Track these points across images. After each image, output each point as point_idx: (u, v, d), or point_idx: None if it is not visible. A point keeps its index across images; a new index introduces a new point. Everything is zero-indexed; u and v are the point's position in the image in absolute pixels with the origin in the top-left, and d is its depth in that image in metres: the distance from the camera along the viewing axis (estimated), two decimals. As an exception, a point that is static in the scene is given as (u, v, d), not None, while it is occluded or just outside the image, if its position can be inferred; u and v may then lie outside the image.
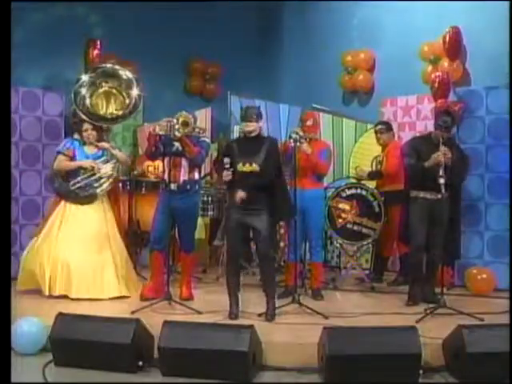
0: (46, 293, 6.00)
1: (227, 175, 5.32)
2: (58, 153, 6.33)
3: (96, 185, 6.27)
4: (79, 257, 6.06)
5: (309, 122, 6.26)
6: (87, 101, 6.42)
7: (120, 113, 6.55)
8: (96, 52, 8.11)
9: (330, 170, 6.66)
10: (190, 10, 9.57)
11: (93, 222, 6.22)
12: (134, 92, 6.49)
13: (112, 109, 6.54)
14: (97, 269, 6.08)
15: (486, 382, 4.31)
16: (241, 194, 5.26)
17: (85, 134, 6.31)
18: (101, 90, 6.51)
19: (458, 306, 5.52)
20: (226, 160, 5.33)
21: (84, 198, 6.24)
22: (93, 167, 6.24)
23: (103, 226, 6.25)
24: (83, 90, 6.43)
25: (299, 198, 5.72)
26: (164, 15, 9.40)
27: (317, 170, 6.14)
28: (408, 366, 4.26)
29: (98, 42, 8.21)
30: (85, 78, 6.48)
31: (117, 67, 6.67)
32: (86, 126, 6.32)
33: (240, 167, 5.34)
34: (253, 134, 5.45)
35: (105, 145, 6.35)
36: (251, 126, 5.43)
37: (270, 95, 8.79)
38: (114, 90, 6.55)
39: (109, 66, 6.70)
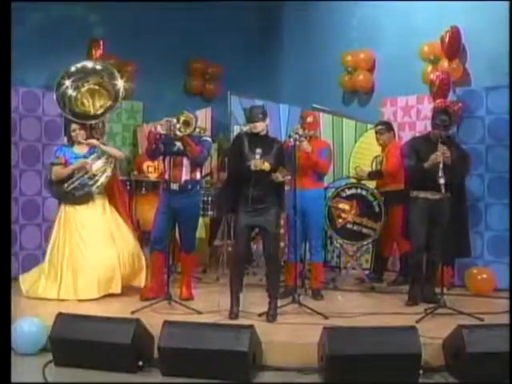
0: (55, 297, 6.01)
1: (254, 163, 5.26)
2: (52, 164, 6.34)
3: (91, 182, 6.27)
4: (83, 258, 6.08)
5: (309, 119, 6.27)
6: (72, 102, 6.42)
7: (106, 106, 6.51)
8: (99, 52, 8.11)
9: (330, 169, 6.66)
10: (189, 10, 9.57)
11: (92, 222, 6.22)
12: (119, 82, 6.47)
13: (98, 105, 6.53)
14: (101, 267, 6.07)
15: (486, 382, 4.31)
16: (277, 175, 5.27)
17: (73, 134, 6.33)
18: (84, 90, 6.49)
19: (458, 306, 5.52)
20: (258, 151, 5.28)
21: (80, 197, 6.24)
22: (84, 166, 6.24)
23: (103, 224, 6.25)
24: (68, 92, 6.42)
25: (299, 197, 5.71)
26: (164, 15, 9.40)
27: (317, 168, 6.14)
28: (408, 366, 4.26)
29: (101, 43, 8.20)
30: (68, 83, 6.45)
31: (94, 64, 6.68)
32: (73, 126, 6.34)
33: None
34: (262, 133, 5.46)
35: (93, 142, 6.34)
36: (259, 126, 5.43)
37: (270, 95, 8.79)
38: (97, 87, 6.53)
39: (87, 64, 6.66)
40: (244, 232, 5.40)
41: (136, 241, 6.44)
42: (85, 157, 6.30)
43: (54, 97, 6.42)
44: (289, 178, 5.98)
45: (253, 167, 5.27)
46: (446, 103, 7.09)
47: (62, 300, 5.95)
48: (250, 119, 5.48)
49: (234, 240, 5.54)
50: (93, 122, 6.46)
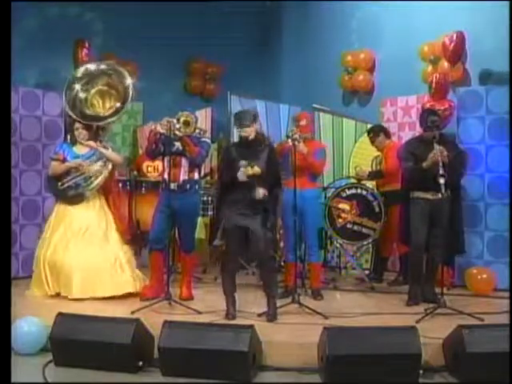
0: (49, 293, 6.05)
1: (242, 174, 5.28)
2: (51, 159, 6.35)
3: (84, 184, 6.25)
4: (73, 257, 6.06)
5: (302, 122, 6.25)
6: (83, 103, 6.40)
7: (115, 107, 6.47)
8: (85, 52, 8.09)
9: (327, 169, 6.66)
10: (190, 10, 9.58)
11: (83, 222, 6.19)
12: (128, 81, 6.43)
13: (108, 106, 6.49)
14: (94, 267, 6.05)
15: (486, 382, 4.31)
16: (261, 191, 5.25)
17: (76, 132, 6.32)
18: (93, 91, 6.46)
19: (458, 306, 5.53)
20: (243, 163, 5.30)
21: (72, 197, 6.22)
22: (79, 167, 6.23)
23: (95, 225, 6.22)
24: (79, 96, 6.39)
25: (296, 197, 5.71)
26: (164, 15, 9.40)
27: (312, 169, 6.14)
28: (408, 366, 4.26)
29: (87, 43, 8.18)
30: (78, 87, 6.43)
31: (100, 66, 6.62)
32: (76, 124, 6.33)
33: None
34: (249, 138, 5.43)
35: (91, 144, 6.32)
36: (246, 132, 5.40)
37: (270, 95, 8.80)
38: (106, 87, 6.50)
39: (93, 68, 6.62)
40: (234, 232, 5.38)
41: (127, 245, 6.40)
42: (83, 156, 6.28)
43: (64, 101, 6.40)
44: (285, 178, 5.98)
45: (240, 179, 5.29)
46: (430, 103, 7.09)
47: (52, 297, 5.98)
48: (238, 124, 5.46)
49: (225, 240, 5.55)
50: (102, 123, 6.45)
